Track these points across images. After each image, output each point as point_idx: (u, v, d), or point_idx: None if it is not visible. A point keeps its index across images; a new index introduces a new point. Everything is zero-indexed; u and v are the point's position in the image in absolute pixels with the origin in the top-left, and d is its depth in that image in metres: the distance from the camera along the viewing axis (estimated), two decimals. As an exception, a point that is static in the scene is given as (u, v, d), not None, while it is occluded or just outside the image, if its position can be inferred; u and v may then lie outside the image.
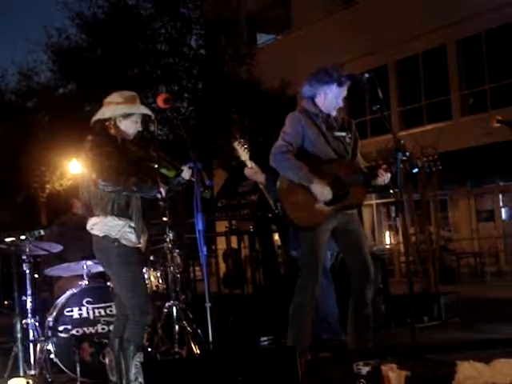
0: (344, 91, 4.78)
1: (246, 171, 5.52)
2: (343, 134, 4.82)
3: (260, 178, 5.54)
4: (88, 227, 4.32)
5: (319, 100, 4.80)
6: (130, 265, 4.25)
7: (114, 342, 4.32)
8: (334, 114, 4.85)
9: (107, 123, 4.30)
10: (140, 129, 4.41)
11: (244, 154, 5.31)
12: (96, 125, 4.34)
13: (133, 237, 4.25)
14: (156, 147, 4.36)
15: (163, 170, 4.34)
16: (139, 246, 4.33)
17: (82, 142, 4.39)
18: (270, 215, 5.68)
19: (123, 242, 4.22)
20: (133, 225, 4.25)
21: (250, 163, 5.37)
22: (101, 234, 4.24)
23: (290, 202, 4.72)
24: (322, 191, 4.56)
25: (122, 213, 4.23)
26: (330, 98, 4.77)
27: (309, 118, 4.77)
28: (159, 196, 4.30)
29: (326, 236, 4.75)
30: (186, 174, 4.36)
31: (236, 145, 5.26)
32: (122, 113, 4.31)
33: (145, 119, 4.45)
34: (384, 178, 4.63)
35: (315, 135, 4.74)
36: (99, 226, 4.24)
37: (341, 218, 4.76)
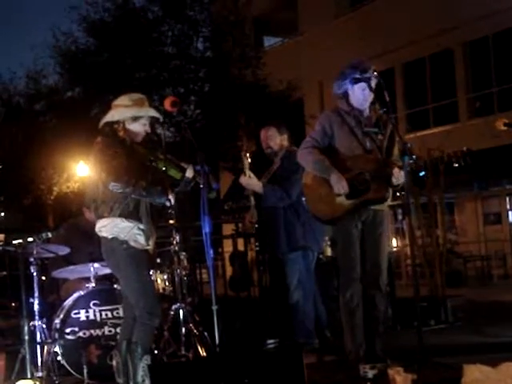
0: (364, 86, 4.72)
1: (242, 179, 5.61)
2: (374, 129, 4.79)
3: (256, 186, 5.61)
4: (97, 229, 4.33)
5: (350, 96, 4.81)
6: (139, 267, 4.26)
7: (122, 345, 4.33)
8: (367, 111, 4.82)
9: (116, 126, 4.32)
10: (149, 131, 4.42)
11: (247, 165, 5.49)
12: (105, 127, 4.36)
13: (142, 239, 4.26)
14: (163, 150, 4.38)
15: (171, 172, 4.36)
16: (148, 248, 4.34)
17: (90, 144, 4.41)
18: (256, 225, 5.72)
19: (132, 244, 4.23)
20: (142, 227, 4.26)
21: (248, 172, 5.52)
22: (110, 236, 4.25)
23: (312, 196, 4.84)
24: (338, 184, 4.61)
25: (132, 215, 4.24)
26: (356, 93, 4.77)
27: (339, 116, 4.81)
28: (168, 204, 4.32)
29: (357, 231, 4.76)
30: (190, 172, 4.39)
31: (243, 154, 5.50)
32: (131, 115, 4.33)
33: (152, 121, 4.47)
34: (395, 176, 4.58)
35: (343, 131, 4.77)
36: (108, 227, 4.25)
37: (369, 213, 4.76)
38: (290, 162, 5.55)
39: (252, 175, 5.63)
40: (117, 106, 4.37)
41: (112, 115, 4.35)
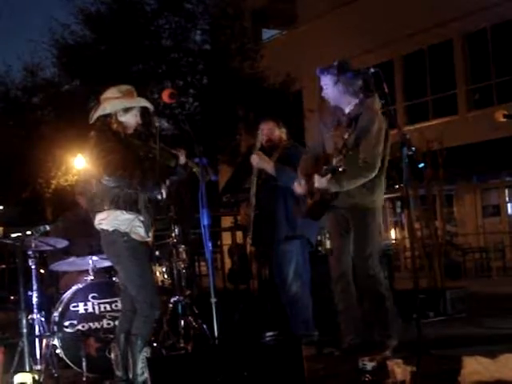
0: (322, 83, 4.86)
1: (254, 158, 5.56)
2: (346, 128, 4.81)
3: (267, 165, 5.55)
4: (96, 222, 4.32)
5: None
6: (139, 259, 4.26)
7: (120, 337, 4.33)
8: (346, 109, 4.85)
9: (108, 119, 4.30)
10: (140, 122, 4.40)
11: (259, 144, 5.48)
12: (97, 121, 4.33)
13: (142, 231, 4.26)
14: (156, 139, 4.35)
15: (167, 161, 4.35)
16: (147, 240, 4.34)
17: (87, 137, 4.39)
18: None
19: (133, 236, 4.23)
20: (141, 218, 4.25)
21: (259, 152, 5.52)
22: (110, 229, 4.24)
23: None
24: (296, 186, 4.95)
25: (131, 207, 4.24)
26: (326, 90, 4.88)
27: (326, 115, 4.98)
28: (159, 197, 4.30)
29: (333, 226, 4.98)
30: (182, 158, 4.38)
31: (259, 132, 5.60)
32: (123, 107, 4.31)
33: (145, 112, 4.44)
34: (316, 180, 4.71)
35: (326, 134, 4.92)
36: (108, 220, 4.24)
37: (344, 213, 4.86)
38: (290, 154, 5.54)
39: (263, 155, 5.60)
40: (107, 99, 4.34)
41: (103, 108, 4.31)
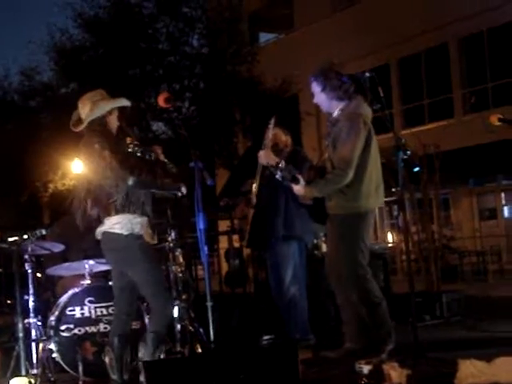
0: (312, 90, 4.85)
1: (261, 153, 5.45)
2: (327, 136, 4.88)
3: (273, 161, 5.44)
4: (106, 227, 4.27)
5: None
6: (153, 260, 4.31)
7: (114, 340, 4.33)
8: (334, 113, 4.83)
9: (100, 121, 4.28)
10: (118, 123, 4.39)
11: (268, 140, 5.42)
12: (92, 126, 4.29)
13: (151, 233, 4.30)
14: (133, 136, 4.35)
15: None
16: (154, 242, 4.37)
17: (88, 142, 4.34)
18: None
19: (146, 238, 4.26)
20: (151, 221, 4.29)
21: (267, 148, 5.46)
22: (125, 232, 4.21)
23: None
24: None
25: (141, 210, 4.26)
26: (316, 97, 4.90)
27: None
28: (179, 194, 4.31)
29: (328, 232, 5.07)
30: (161, 156, 4.36)
31: (269, 127, 5.36)
32: (109, 108, 4.31)
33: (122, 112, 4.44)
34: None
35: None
36: (123, 223, 4.21)
37: (332, 218, 4.91)
38: (295, 159, 5.52)
39: (270, 152, 5.54)
40: (95, 102, 4.30)
41: (94, 112, 4.28)
